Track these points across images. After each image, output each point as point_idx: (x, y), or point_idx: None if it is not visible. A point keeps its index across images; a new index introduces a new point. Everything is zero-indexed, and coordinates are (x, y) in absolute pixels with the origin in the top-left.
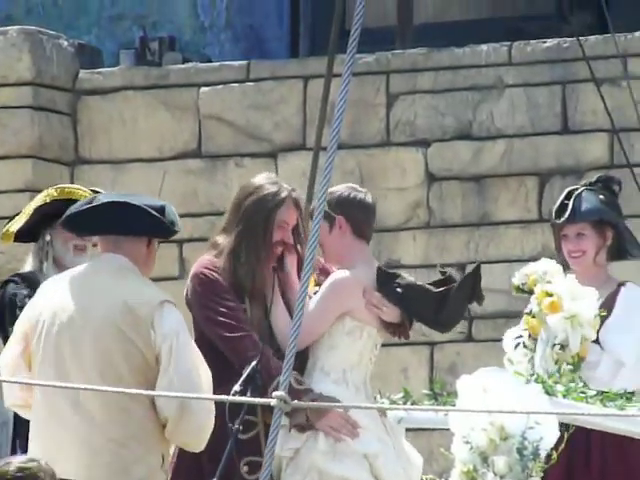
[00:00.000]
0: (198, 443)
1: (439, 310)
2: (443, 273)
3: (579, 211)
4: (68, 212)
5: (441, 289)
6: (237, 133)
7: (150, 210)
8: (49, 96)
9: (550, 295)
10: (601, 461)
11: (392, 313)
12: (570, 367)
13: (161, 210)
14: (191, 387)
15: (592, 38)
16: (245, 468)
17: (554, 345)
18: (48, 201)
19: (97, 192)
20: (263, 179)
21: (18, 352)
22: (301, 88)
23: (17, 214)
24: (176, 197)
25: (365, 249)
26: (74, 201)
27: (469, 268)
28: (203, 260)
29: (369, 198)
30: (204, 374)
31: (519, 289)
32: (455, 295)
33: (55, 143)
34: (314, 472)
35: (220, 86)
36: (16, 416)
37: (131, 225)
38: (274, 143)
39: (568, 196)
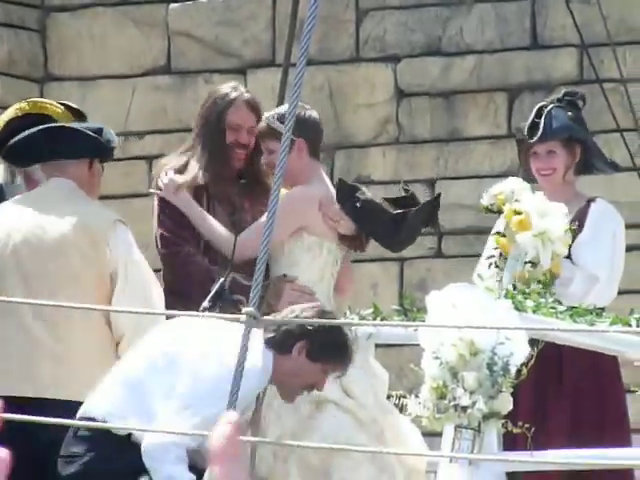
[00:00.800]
0: None
1: (394, 231)
2: (406, 191)
3: (550, 129)
4: (8, 144)
5: (399, 211)
6: (206, 49)
7: (87, 132)
8: (18, 13)
9: (519, 213)
10: (574, 376)
11: (348, 226)
12: (539, 285)
13: (98, 131)
14: (146, 305)
15: None
16: None
17: (525, 263)
18: (20, 115)
19: (70, 107)
20: (223, 85)
21: None
22: (270, 4)
23: None
24: (145, 114)
25: (319, 166)
26: (46, 116)
27: (438, 185)
28: (166, 168)
29: (317, 114)
30: (156, 291)
31: (488, 209)
32: (412, 218)
33: (24, 60)
34: None
35: (189, 2)
36: None
37: (70, 148)
38: (243, 59)
39: (538, 114)
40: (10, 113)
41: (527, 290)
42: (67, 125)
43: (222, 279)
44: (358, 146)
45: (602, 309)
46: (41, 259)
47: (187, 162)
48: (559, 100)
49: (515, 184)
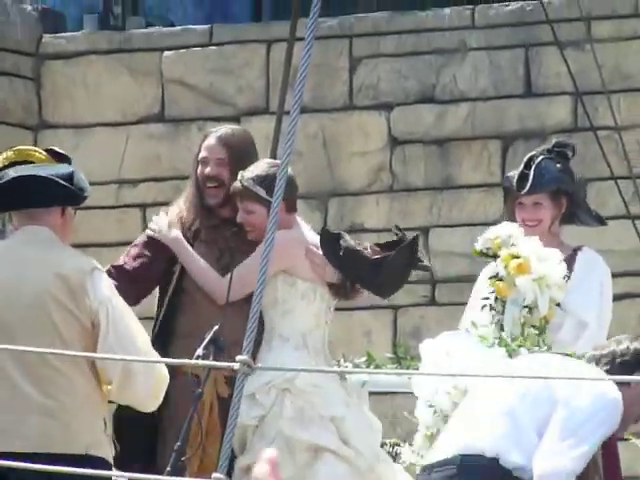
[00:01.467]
0: (146, 404)
1: (375, 275)
2: (397, 235)
3: (539, 182)
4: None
5: (376, 257)
6: (200, 97)
7: (57, 180)
8: (12, 60)
9: (517, 257)
10: None
11: (332, 273)
12: (535, 331)
13: (69, 178)
14: (131, 350)
15: (555, 0)
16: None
17: (523, 307)
18: (6, 163)
19: (54, 152)
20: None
21: None
22: (264, 52)
23: None
24: (139, 161)
25: (296, 218)
26: (32, 163)
27: (431, 233)
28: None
29: (291, 170)
30: (141, 337)
31: (482, 253)
32: (392, 262)
33: (18, 107)
34: (281, 439)
35: (183, 50)
36: None
37: (41, 197)
38: (237, 107)
39: (527, 165)
40: None
41: (524, 335)
42: (38, 174)
43: (216, 327)
44: (352, 194)
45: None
46: (20, 311)
47: (179, 208)
48: (549, 151)
49: (510, 229)
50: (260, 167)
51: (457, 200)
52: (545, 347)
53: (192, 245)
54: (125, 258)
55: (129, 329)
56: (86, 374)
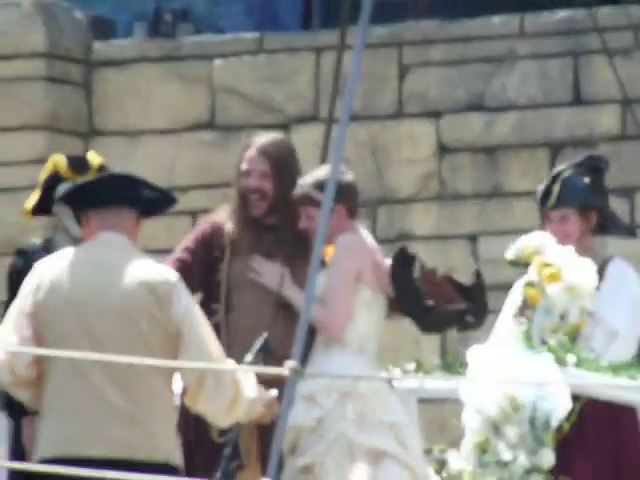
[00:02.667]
0: (218, 416)
1: (422, 317)
2: (477, 278)
3: (562, 197)
4: (66, 190)
5: (430, 304)
6: (250, 105)
7: (151, 184)
8: (63, 67)
9: (548, 265)
10: (594, 430)
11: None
12: (567, 338)
13: (149, 184)
14: (207, 359)
15: (604, 9)
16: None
17: (554, 316)
18: (52, 173)
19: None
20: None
21: (29, 335)
22: (313, 60)
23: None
24: (189, 169)
25: (357, 224)
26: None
27: (480, 240)
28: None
29: (352, 176)
30: (215, 347)
31: (513, 263)
32: (440, 315)
33: (69, 115)
34: (342, 441)
35: (233, 58)
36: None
37: (126, 198)
38: (287, 115)
39: (553, 179)
40: (47, 170)
41: (565, 344)
42: (128, 175)
43: (265, 334)
44: (400, 201)
45: None
46: (108, 318)
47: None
48: (578, 165)
49: (541, 238)
50: (319, 173)
51: (505, 207)
52: (593, 354)
53: (232, 254)
54: (167, 262)
55: (206, 338)
56: (167, 382)
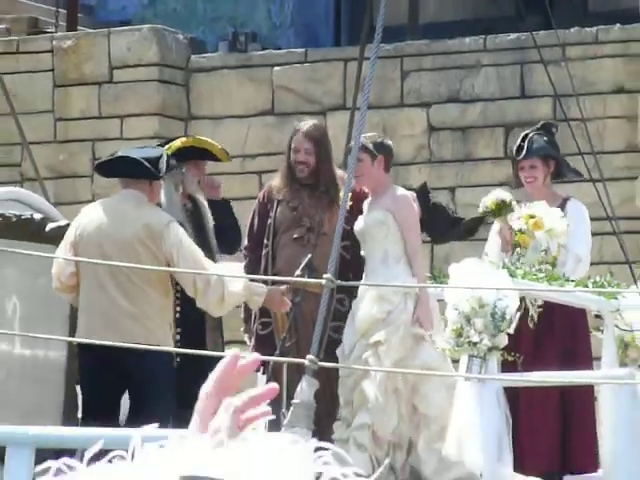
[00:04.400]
0: (214, 309)
1: (446, 230)
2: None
3: (531, 150)
4: (98, 162)
5: (458, 216)
6: (299, 98)
7: (144, 162)
8: (170, 73)
9: (533, 217)
10: (562, 328)
11: None
12: (550, 266)
13: (155, 161)
14: (199, 269)
15: (541, 33)
16: (259, 326)
17: (541, 251)
18: (187, 146)
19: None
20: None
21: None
22: (342, 67)
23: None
24: (256, 142)
25: (389, 178)
26: (204, 149)
27: (457, 191)
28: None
29: (391, 142)
30: (207, 262)
31: (484, 213)
32: (461, 226)
33: (174, 106)
34: (404, 328)
35: (287, 66)
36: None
37: (131, 172)
38: (323, 105)
39: (523, 139)
40: (177, 143)
41: (542, 270)
42: (131, 156)
43: (310, 255)
44: (402, 165)
45: (570, 280)
46: (118, 248)
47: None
48: (538, 129)
49: (502, 194)
50: (371, 135)
51: (474, 169)
52: (536, 268)
53: (278, 205)
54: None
55: (194, 256)
56: (158, 290)
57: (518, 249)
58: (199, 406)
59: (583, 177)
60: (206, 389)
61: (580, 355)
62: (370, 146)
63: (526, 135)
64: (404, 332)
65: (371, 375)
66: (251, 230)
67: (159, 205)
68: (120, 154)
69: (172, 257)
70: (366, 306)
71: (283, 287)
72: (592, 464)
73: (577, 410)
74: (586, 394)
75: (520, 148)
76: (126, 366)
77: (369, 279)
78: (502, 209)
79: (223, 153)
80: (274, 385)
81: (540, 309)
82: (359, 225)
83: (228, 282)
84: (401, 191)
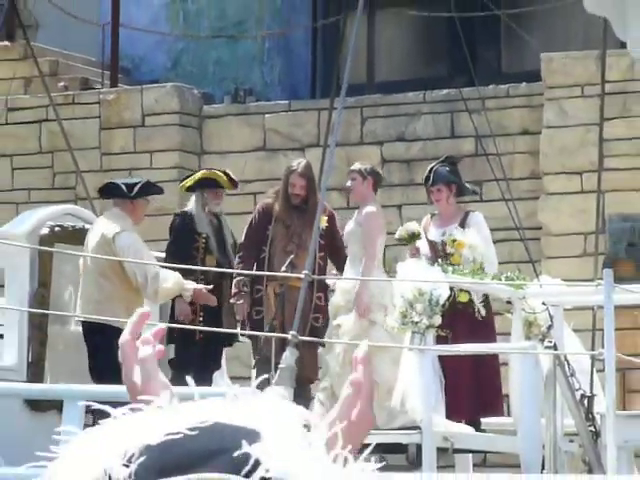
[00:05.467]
0: (151, 299)
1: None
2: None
3: (435, 179)
4: (98, 188)
5: None
6: (284, 138)
7: (122, 187)
8: (187, 119)
9: (455, 241)
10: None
11: None
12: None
13: (132, 185)
14: (140, 268)
15: (466, 89)
16: (254, 313)
17: (470, 262)
18: (204, 176)
19: (226, 174)
20: (294, 160)
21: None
22: (317, 115)
23: (187, 177)
24: (253, 171)
25: (373, 196)
26: (212, 179)
27: (403, 208)
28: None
29: (380, 170)
30: (146, 263)
31: (399, 240)
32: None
33: (191, 143)
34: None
35: (275, 114)
36: None
37: (114, 193)
38: (303, 143)
39: (430, 170)
40: (198, 175)
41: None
42: (115, 182)
43: (292, 256)
44: None
45: (486, 274)
46: (88, 251)
47: (274, 198)
48: (442, 161)
49: (412, 226)
50: (364, 164)
51: (416, 191)
52: (467, 270)
53: (275, 221)
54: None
55: (138, 256)
56: (118, 283)
57: (453, 267)
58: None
59: (478, 195)
60: (124, 337)
61: (483, 329)
62: (362, 170)
63: (432, 167)
64: (356, 317)
65: (334, 350)
66: (250, 231)
67: (187, 218)
68: (109, 181)
69: (122, 261)
70: (335, 296)
71: (209, 287)
72: (500, 410)
73: (487, 373)
74: (494, 360)
75: (427, 178)
76: None
77: (345, 274)
78: (412, 238)
79: (228, 183)
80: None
81: (481, 303)
82: (347, 229)
83: (163, 280)
84: (371, 208)
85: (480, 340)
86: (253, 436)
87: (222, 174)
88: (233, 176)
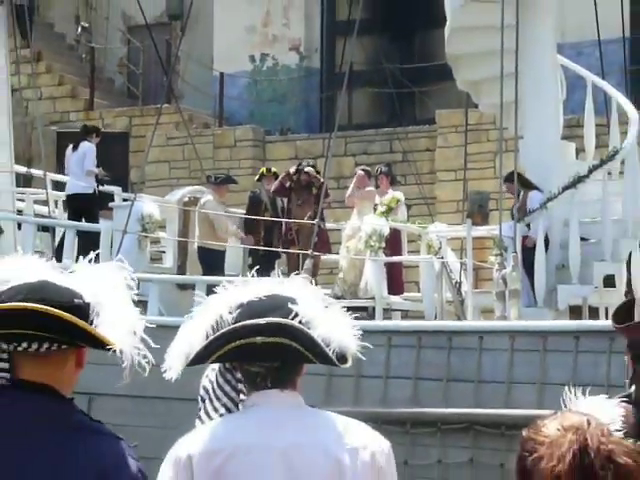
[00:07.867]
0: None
1: None
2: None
3: (384, 172)
4: (207, 176)
5: None
6: (305, 152)
7: (212, 177)
8: (255, 143)
9: (391, 202)
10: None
11: None
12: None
13: (217, 177)
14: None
15: (398, 128)
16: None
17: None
18: (262, 173)
19: (273, 171)
20: (304, 161)
21: None
22: (322, 141)
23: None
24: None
25: (370, 183)
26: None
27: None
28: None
29: (388, 168)
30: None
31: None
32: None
33: (258, 156)
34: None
35: (302, 140)
36: None
37: (209, 182)
38: (315, 155)
39: (377, 169)
40: (260, 172)
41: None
42: (212, 175)
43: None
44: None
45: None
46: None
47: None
48: (386, 165)
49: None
50: (362, 170)
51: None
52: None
53: (289, 201)
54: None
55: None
56: (211, 227)
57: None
58: None
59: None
60: None
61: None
62: (368, 170)
63: (379, 168)
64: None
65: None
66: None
67: (256, 194)
68: (208, 175)
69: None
70: (346, 230)
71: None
72: (403, 290)
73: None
74: (399, 266)
75: (378, 171)
76: None
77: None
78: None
79: (275, 177)
80: None
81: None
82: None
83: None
84: (370, 188)
85: (398, 253)
86: (292, 300)
87: (272, 172)
88: (277, 172)
